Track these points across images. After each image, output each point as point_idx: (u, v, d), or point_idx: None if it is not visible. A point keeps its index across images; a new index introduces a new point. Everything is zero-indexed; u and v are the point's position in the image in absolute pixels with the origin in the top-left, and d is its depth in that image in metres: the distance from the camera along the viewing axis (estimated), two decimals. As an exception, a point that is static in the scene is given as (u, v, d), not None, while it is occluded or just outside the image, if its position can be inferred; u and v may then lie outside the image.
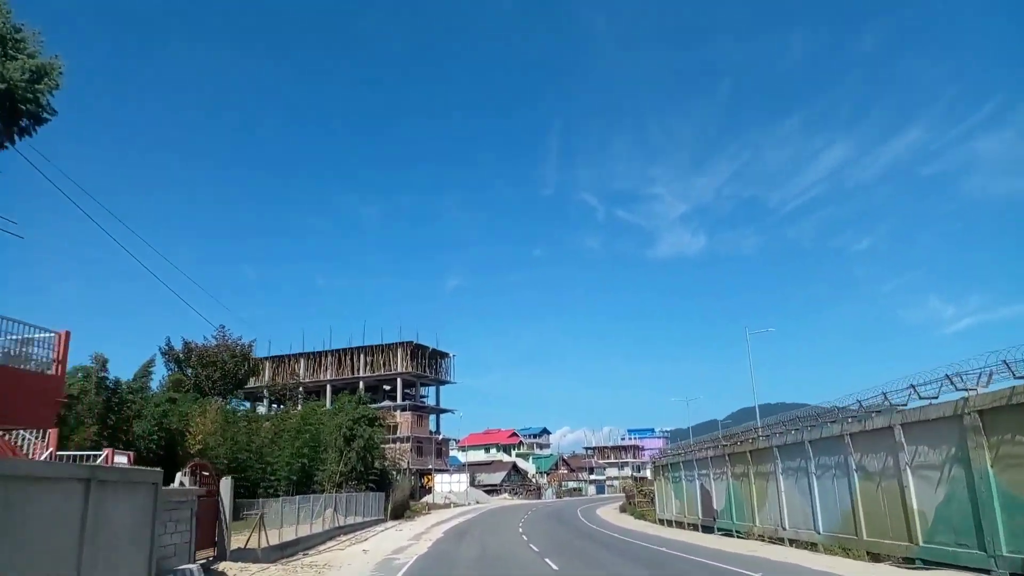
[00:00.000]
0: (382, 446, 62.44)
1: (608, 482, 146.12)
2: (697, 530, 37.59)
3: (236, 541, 24.13)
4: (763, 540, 28.29)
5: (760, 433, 30.07)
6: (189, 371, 60.08)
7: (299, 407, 61.27)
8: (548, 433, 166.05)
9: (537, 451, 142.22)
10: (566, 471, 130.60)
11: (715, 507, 35.28)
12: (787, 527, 26.49)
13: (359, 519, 43.19)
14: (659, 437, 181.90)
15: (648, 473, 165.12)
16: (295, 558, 25.73)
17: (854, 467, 21.58)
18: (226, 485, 23.23)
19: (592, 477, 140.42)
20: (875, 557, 20.08)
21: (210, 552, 22.01)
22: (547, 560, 21.40)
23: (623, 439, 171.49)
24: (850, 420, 22.14)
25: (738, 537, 31.18)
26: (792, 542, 25.77)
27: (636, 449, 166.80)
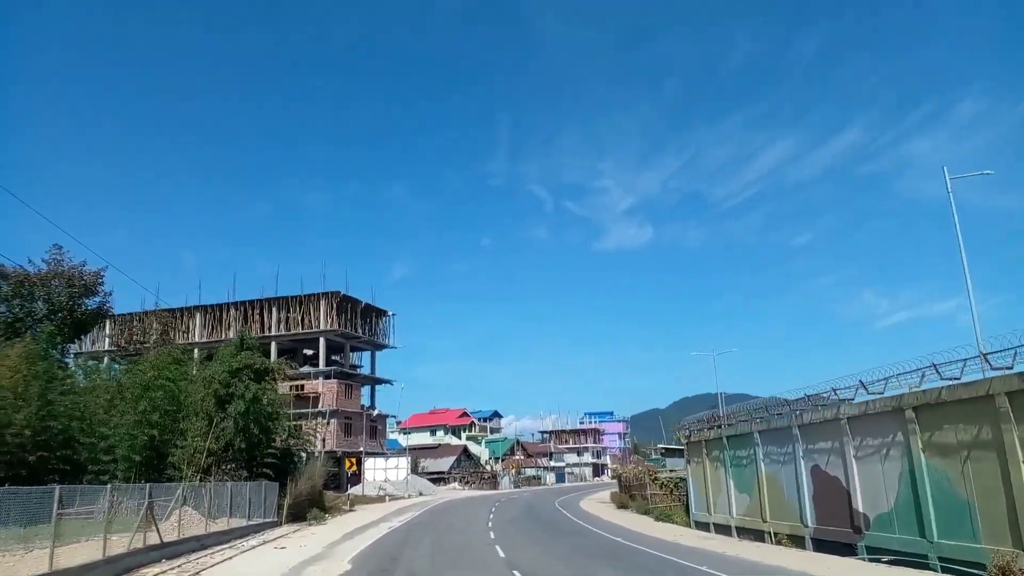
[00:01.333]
0: (294, 422, 45.06)
1: (567, 469, 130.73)
2: (802, 547, 21.62)
3: None
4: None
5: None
6: (2, 306, 41.52)
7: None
8: (500, 417, 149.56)
9: (490, 435, 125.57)
10: (523, 457, 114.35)
11: (859, 509, 19.16)
12: None
13: (224, 526, 26.08)
14: (619, 421, 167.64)
15: (608, 459, 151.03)
16: None
17: None
18: None
19: (552, 464, 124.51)
20: None
21: None
22: None
23: (581, 422, 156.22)
24: None
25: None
26: None
27: (597, 433, 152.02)
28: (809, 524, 21.69)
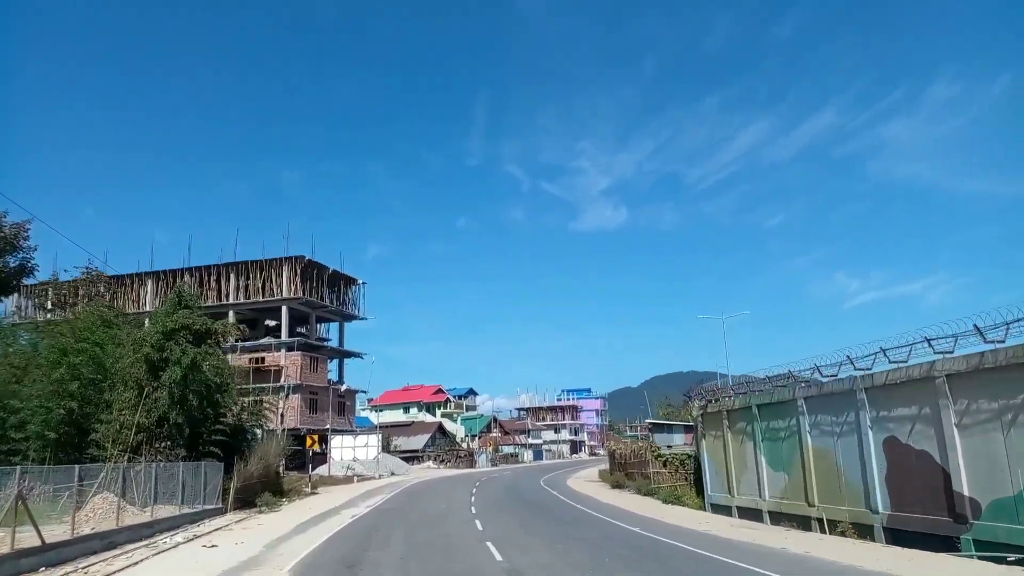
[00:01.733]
0: (252, 397, 40.01)
1: (545, 447, 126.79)
2: (870, 538, 17.29)
3: None
4: None
5: None
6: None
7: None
8: (475, 394, 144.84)
9: (465, 412, 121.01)
10: (500, 434, 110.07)
11: (964, 492, 14.73)
12: None
13: (147, 517, 21.15)
14: (597, 398, 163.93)
15: (585, 436, 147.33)
16: None
17: None
18: None
19: (530, 441, 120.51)
20: None
21: None
22: None
23: (559, 399, 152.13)
24: None
25: None
26: None
27: (574, 410, 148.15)
28: (879, 510, 17.26)
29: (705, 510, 27.24)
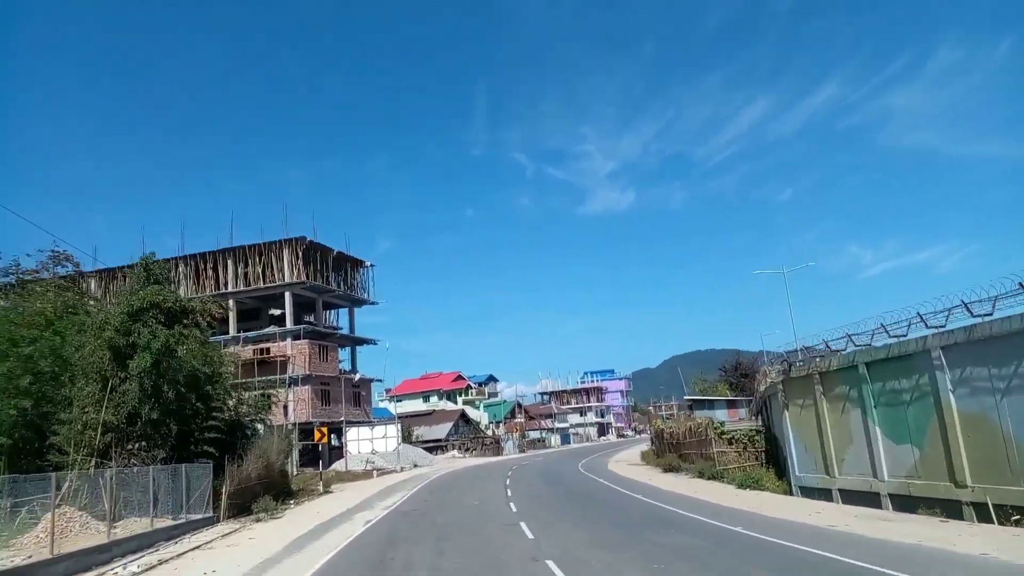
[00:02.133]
0: (256, 391, 35.62)
1: (571, 430, 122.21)
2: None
3: None
4: None
5: None
6: None
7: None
8: (496, 381, 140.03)
9: (488, 399, 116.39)
10: (525, 420, 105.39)
11: None
12: None
13: (102, 538, 16.61)
14: (621, 378, 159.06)
15: (612, 418, 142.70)
16: None
17: None
18: None
19: (556, 425, 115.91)
20: None
21: None
22: None
23: (582, 381, 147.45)
24: None
25: None
26: None
27: (599, 392, 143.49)
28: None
29: (792, 494, 22.49)
